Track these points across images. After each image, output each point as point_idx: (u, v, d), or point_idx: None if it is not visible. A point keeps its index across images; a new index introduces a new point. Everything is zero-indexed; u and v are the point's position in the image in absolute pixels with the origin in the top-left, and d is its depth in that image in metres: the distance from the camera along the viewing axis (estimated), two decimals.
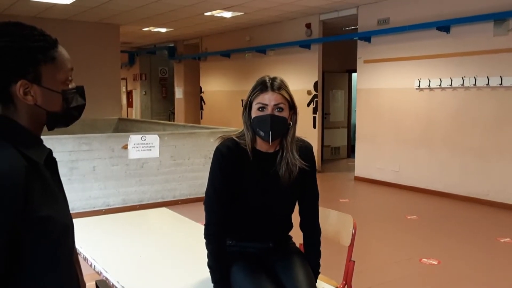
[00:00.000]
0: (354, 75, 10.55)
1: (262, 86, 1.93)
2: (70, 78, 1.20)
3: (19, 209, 1.02)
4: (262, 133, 1.92)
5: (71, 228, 1.21)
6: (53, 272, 1.12)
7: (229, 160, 1.96)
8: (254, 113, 1.94)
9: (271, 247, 2.06)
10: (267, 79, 1.95)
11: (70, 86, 1.20)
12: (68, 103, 1.19)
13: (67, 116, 1.21)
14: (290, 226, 2.16)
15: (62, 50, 1.18)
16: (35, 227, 1.06)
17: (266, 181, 1.99)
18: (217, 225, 1.96)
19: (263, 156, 2.01)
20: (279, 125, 1.92)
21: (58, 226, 1.13)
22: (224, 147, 1.98)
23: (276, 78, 1.97)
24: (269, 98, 1.91)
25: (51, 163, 1.21)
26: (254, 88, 1.96)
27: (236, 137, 2.01)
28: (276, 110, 1.92)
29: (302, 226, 2.14)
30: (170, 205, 5.56)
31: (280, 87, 1.93)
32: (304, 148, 2.06)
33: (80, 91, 1.23)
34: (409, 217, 5.83)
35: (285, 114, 1.93)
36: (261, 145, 2.01)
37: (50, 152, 1.19)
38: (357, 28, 8.39)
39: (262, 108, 1.92)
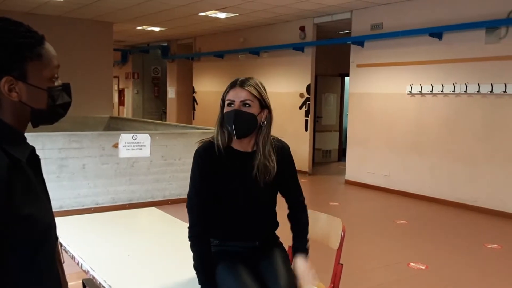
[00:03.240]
0: (346, 79, 10.59)
1: (232, 84, 1.99)
2: (56, 75, 1.18)
3: (1, 208, 1.00)
4: (229, 128, 1.95)
5: (53, 227, 1.19)
6: (35, 271, 1.10)
7: (206, 161, 1.99)
8: (225, 109, 1.98)
9: (257, 246, 2.07)
10: (240, 78, 2.00)
11: (56, 84, 1.18)
12: (53, 100, 1.17)
13: (52, 113, 1.19)
14: (275, 224, 2.17)
15: (49, 47, 1.17)
16: (16, 225, 1.04)
17: (243, 181, 2.01)
18: (200, 226, 1.97)
19: (239, 156, 2.02)
20: (245, 120, 1.93)
21: (40, 225, 1.11)
22: (201, 149, 2.02)
23: (250, 78, 2.01)
24: (236, 94, 1.95)
25: (34, 161, 1.19)
26: (227, 87, 2.01)
27: (212, 138, 2.04)
28: (243, 106, 1.94)
29: (289, 217, 2.20)
30: (160, 205, 5.53)
31: (249, 84, 1.97)
32: (281, 149, 2.08)
33: (66, 88, 1.21)
34: (398, 222, 5.86)
35: (252, 110, 1.94)
36: (237, 144, 2.03)
37: (33, 149, 1.17)
38: (350, 32, 8.43)
39: (230, 104, 1.96)
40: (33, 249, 1.09)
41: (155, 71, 15.86)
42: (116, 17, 9.69)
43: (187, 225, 2.88)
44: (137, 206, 5.56)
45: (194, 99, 13.04)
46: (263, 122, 1.99)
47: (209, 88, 12.29)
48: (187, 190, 7.16)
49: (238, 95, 1.95)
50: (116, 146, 5.94)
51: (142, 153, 6.15)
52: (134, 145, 6.06)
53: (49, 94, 1.16)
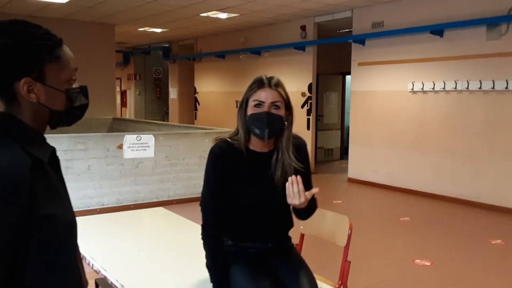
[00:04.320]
0: (347, 77, 10.61)
1: (259, 83, 1.94)
2: (74, 77, 1.20)
3: (25, 208, 1.02)
4: (257, 131, 1.91)
5: (75, 227, 1.22)
6: (57, 271, 1.12)
7: (222, 161, 1.96)
8: (250, 110, 1.93)
9: (270, 247, 2.06)
10: (264, 77, 1.96)
11: (73, 86, 1.20)
12: (71, 102, 1.20)
13: (70, 115, 1.22)
14: (290, 225, 2.15)
15: (67, 50, 1.19)
16: (39, 225, 1.06)
17: (260, 181, 1.98)
18: (214, 225, 1.96)
19: (257, 156, 2.00)
20: (275, 123, 1.91)
21: (63, 224, 1.13)
22: (218, 148, 1.99)
23: (273, 77, 1.97)
24: (266, 95, 1.91)
25: (55, 161, 1.21)
26: (251, 86, 1.96)
27: (230, 138, 2.02)
28: (273, 107, 1.91)
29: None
30: (165, 205, 5.53)
31: (277, 84, 1.94)
32: (299, 146, 2.06)
33: (83, 90, 1.24)
34: (401, 219, 5.89)
35: (281, 112, 1.93)
36: (255, 145, 2.00)
37: (54, 150, 1.20)
38: (351, 30, 8.45)
39: (259, 105, 1.91)
40: (56, 248, 1.11)
41: (156, 72, 15.90)
42: (118, 18, 9.72)
43: (196, 224, 2.92)
44: (142, 207, 5.59)
45: (196, 100, 13.07)
46: (285, 123, 1.97)
47: (211, 88, 12.31)
48: (191, 190, 7.15)
49: (268, 96, 1.91)
50: (120, 147, 5.97)
51: (147, 153, 6.18)
52: (139, 146, 6.09)
53: (67, 96, 1.18)
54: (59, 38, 1.18)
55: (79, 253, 1.27)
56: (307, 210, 2.00)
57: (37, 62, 1.11)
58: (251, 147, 2.01)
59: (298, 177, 1.83)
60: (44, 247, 1.09)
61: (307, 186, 1.99)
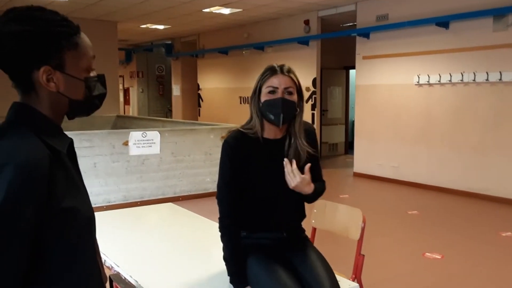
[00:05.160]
0: (351, 71, 10.56)
1: (272, 70, 1.96)
2: (92, 66, 1.17)
3: (44, 201, 0.99)
4: (272, 116, 1.93)
5: (93, 220, 1.19)
6: (77, 265, 1.10)
7: (237, 151, 1.97)
8: (264, 96, 1.95)
9: (285, 237, 2.05)
10: (275, 64, 1.98)
11: (91, 74, 1.17)
12: (90, 91, 1.16)
13: (89, 104, 1.18)
14: (303, 214, 2.15)
15: (85, 37, 1.16)
16: (59, 219, 1.03)
17: (275, 168, 1.98)
18: (230, 217, 1.96)
19: (270, 143, 2.02)
20: (289, 108, 1.94)
21: (82, 217, 1.11)
22: (232, 139, 1.99)
23: (284, 64, 2.00)
24: (279, 81, 1.93)
25: (72, 153, 1.18)
26: (263, 73, 1.98)
27: (242, 128, 2.03)
28: (286, 93, 1.94)
29: None
30: (171, 202, 5.54)
31: (289, 70, 1.97)
32: (309, 131, 2.09)
33: (101, 79, 1.20)
34: (410, 212, 5.85)
35: (294, 98, 1.96)
36: (269, 132, 2.02)
37: (71, 141, 1.17)
38: (355, 24, 8.40)
39: (273, 91, 1.94)
40: (76, 242, 1.09)
41: (159, 70, 15.86)
42: (120, 16, 9.69)
43: (206, 219, 2.90)
44: (149, 203, 5.56)
45: (199, 96, 13.04)
46: (297, 109, 1.98)
47: (214, 84, 12.28)
48: (197, 186, 7.13)
49: (281, 82, 1.93)
50: (126, 144, 5.95)
51: (152, 150, 6.16)
52: (144, 142, 6.07)
53: (86, 85, 1.15)
54: (76, 25, 1.14)
55: (97, 247, 1.24)
56: (313, 193, 2.02)
57: (57, 49, 1.08)
58: (265, 135, 2.02)
59: (294, 162, 1.93)
60: (64, 241, 1.06)
61: (317, 169, 2.09)
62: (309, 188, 1.95)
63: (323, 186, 2.14)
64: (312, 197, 2.07)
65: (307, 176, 1.93)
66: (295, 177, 1.90)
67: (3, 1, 8.05)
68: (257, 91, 1.98)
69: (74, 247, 1.09)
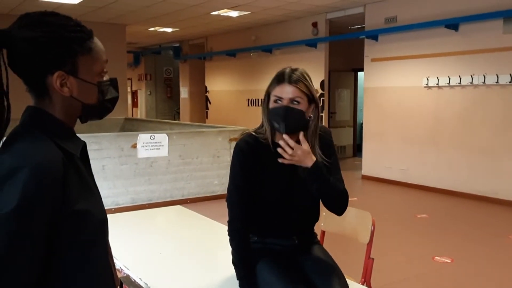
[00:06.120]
0: (360, 74, 10.52)
1: (278, 79, 1.88)
2: (105, 69, 1.18)
3: (58, 203, 1.01)
4: (277, 125, 1.88)
5: (106, 223, 1.19)
6: (90, 267, 1.11)
7: (248, 155, 1.94)
8: (271, 104, 1.89)
9: (297, 244, 2.02)
10: (287, 70, 1.89)
11: (104, 78, 1.18)
12: (103, 95, 1.17)
13: (101, 108, 1.20)
14: (315, 219, 2.11)
15: (98, 42, 1.17)
16: (72, 221, 1.04)
17: (286, 175, 1.95)
18: (240, 221, 1.93)
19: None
20: (294, 117, 1.85)
21: (95, 220, 1.12)
22: (243, 142, 1.96)
23: (296, 69, 1.90)
24: (285, 91, 1.85)
25: (85, 156, 1.20)
26: (272, 80, 1.92)
27: (255, 132, 1.99)
28: (291, 103, 1.86)
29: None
30: (179, 204, 5.54)
31: (298, 79, 1.86)
32: (323, 137, 1.98)
33: (113, 83, 1.21)
34: (419, 216, 5.81)
35: (301, 107, 1.86)
36: (280, 138, 1.94)
37: (84, 144, 1.18)
38: (363, 26, 8.37)
39: (278, 100, 1.87)
40: (89, 244, 1.10)
41: (167, 72, 15.92)
42: (129, 19, 9.74)
43: (215, 222, 2.89)
44: (157, 206, 5.57)
45: (207, 99, 13.06)
46: (310, 117, 1.90)
47: (222, 87, 12.29)
48: (205, 189, 7.14)
49: (286, 92, 1.85)
50: (134, 146, 5.97)
51: (160, 152, 6.17)
52: (152, 145, 6.08)
53: (99, 89, 1.16)
54: (89, 30, 1.15)
55: (110, 250, 1.24)
56: (323, 184, 1.88)
57: (70, 55, 1.09)
58: (277, 140, 1.96)
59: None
60: (77, 243, 1.07)
61: (336, 171, 1.98)
62: (310, 160, 1.84)
63: (338, 184, 1.95)
64: (316, 178, 1.87)
65: (304, 145, 1.84)
66: (293, 150, 1.81)
67: (15, 3, 8.12)
68: (266, 98, 1.93)
69: (87, 249, 1.10)
